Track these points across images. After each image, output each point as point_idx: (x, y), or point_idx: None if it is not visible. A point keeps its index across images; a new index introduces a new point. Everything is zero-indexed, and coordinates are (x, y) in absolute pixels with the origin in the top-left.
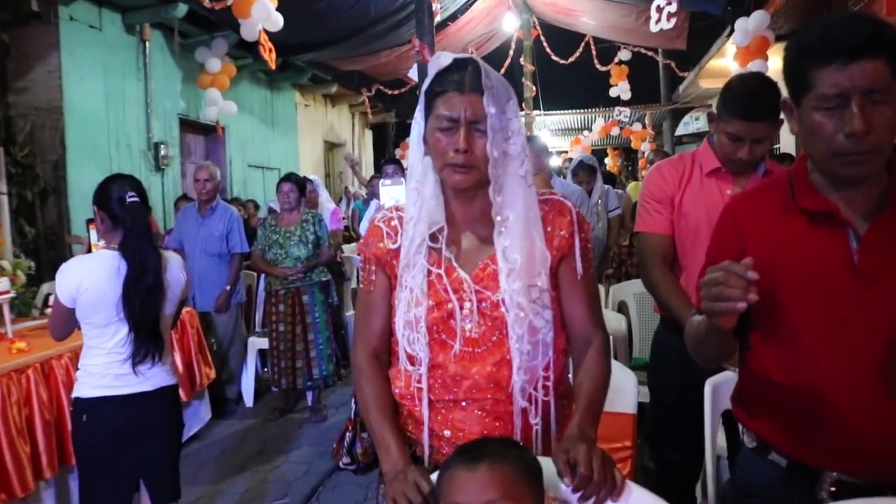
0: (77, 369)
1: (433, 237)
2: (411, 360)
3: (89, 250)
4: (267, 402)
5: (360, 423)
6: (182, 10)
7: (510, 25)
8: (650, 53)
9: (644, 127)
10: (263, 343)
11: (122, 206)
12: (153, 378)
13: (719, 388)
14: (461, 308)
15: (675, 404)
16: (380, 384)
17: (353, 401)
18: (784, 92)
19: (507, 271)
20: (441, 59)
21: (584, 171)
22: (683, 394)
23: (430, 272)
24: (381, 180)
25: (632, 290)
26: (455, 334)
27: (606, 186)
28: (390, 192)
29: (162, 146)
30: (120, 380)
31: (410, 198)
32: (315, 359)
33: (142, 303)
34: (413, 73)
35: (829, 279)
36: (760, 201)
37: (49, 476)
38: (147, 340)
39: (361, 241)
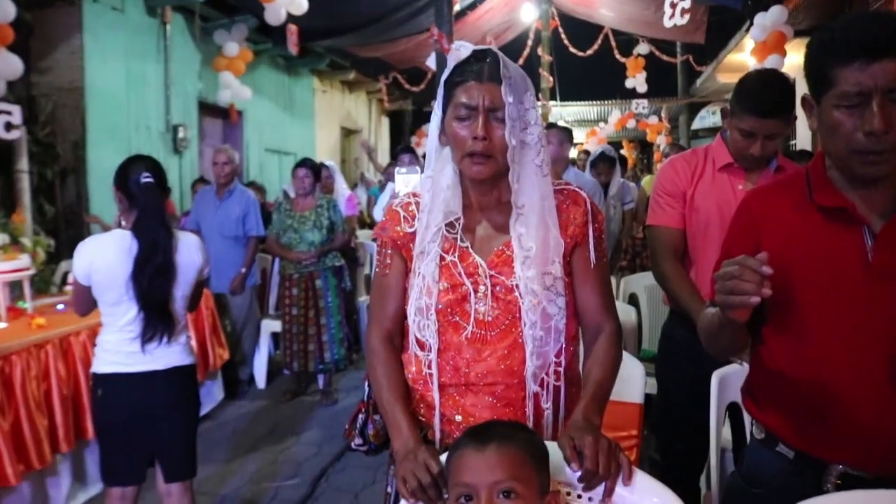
0: (94, 345)
1: (449, 225)
2: (421, 345)
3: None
4: (279, 385)
5: (373, 405)
6: None
7: (529, 16)
8: (665, 57)
9: (660, 120)
10: (276, 326)
11: (137, 186)
12: (164, 357)
13: (726, 380)
14: (475, 291)
15: (682, 396)
16: (392, 366)
17: (366, 383)
18: (802, 88)
19: (521, 258)
20: (460, 51)
21: (604, 163)
22: (691, 386)
23: (443, 258)
24: (397, 167)
25: (643, 282)
26: (469, 317)
27: (622, 180)
28: (405, 180)
29: (180, 129)
30: (132, 357)
31: (424, 186)
32: (327, 343)
33: (150, 282)
34: (431, 62)
35: (843, 276)
36: (777, 197)
37: (66, 450)
38: (156, 320)
39: (378, 225)
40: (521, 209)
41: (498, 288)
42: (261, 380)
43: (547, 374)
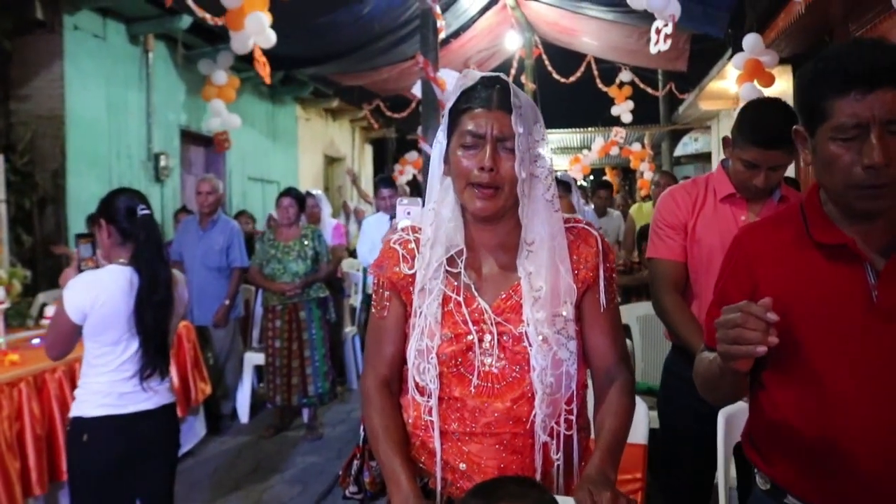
0: (77, 387)
1: (451, 261)
2: (421, 390)
3: (79, 268)
4: (262, 419)
5: (369, 451)
6: (186, 21)
7: (512, 44)
8: (650, 91)
9: (643, 147)
10: (260, 358)
11: (132, 220)
12: (156, 396)
13: (733, 419)
14: (480, 341)
15: (686, 434)
16: (390, 414)
17: (361, 427)
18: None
19: (531, 299)
20: (468, 77)
21: (558, 188)
22: (695, 423)
23: (447, 300)
24: (399, 198)
25: (635, 312)
26: (474, 368)
27: (587, 208)
28: (406, 210)
29: (162, 157)
30: (124, 398)
31: (427, 219)
32: (311, 376)
33: (154, 317)
34: (416, 90)
35: (847, 316)
36: (772, 233)
37: (39, 493)
38: (156, 356)
39: (375, 261)
40: (531, 246)
41: (505, 337)
42: (244, 414)
43: (557, 422)
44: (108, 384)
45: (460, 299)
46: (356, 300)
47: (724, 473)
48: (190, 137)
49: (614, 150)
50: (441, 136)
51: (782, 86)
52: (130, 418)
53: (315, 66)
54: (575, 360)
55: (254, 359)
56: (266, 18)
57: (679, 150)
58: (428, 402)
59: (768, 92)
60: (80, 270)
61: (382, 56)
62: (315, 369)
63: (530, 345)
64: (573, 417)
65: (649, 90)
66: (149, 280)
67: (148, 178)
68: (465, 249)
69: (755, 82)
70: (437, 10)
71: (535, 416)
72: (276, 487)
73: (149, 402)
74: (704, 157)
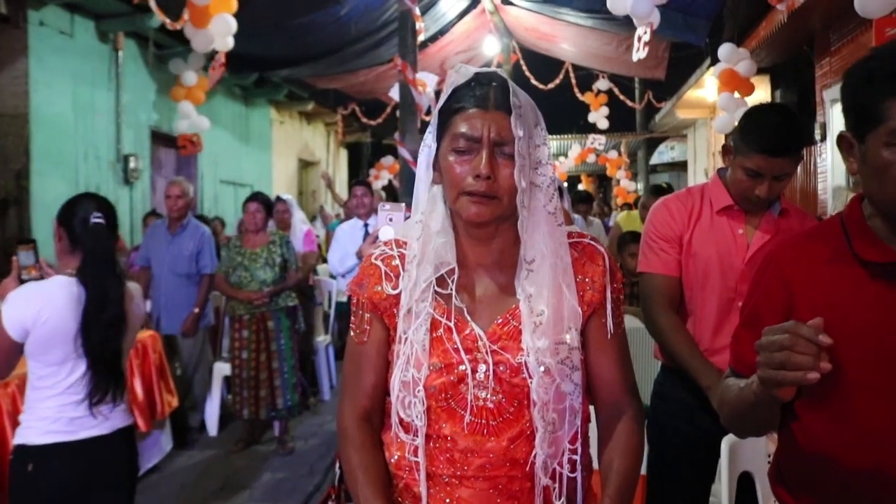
0: (22, 411)
1: (441, 281)
2: (405, 427)
3: (19, 277)
4: (231, 432)
5: (345, 492)
6: (157, 20)
7: (490, 49)
8: (628, 103)
9: (619, 154)
10: (229, 369)
11: (84, 227)
12: (111, 420)
13: (737, 447)
14: (474, 372)
15: (678, 461)
16: (370, 453)
17: (336, 465)
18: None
19: (531, 325)
20: (460, 73)
21: None
22: (688, 450)
23: (436, 325)
24: (381, 204)
25: None
26: (466, 403)
27: (577, 216)
28: (388, 216)
29: (132, 159)
30: (75, 423)
31: (413, 232)
32: (279, 388)
33: (103, 336)
34: (394, 93)
35: (890, 341)
36: (810, 249)
37: None
38: (107, 379)
39: (354, 279)
40: (531, 264)
41: (501, 367)
42: (212, 427)
43: (560, 464)
44: (57, 408)
45: (451, 324)
46: (329, 306)
47: None
48: (161, 139)
49: (591, 158)
50: (429, 138)
51: (760, 96)
52: (81, 445)
53: (290, 68)
54: (580, 393)
55: (223, 369)
56: (233, 22)
57: (655, 159)
58: (413, 440)
59: (749, 102)
60: (21, 281)
61: (359, 59)
62: (284, 381)
63: (530, 377)
64: (577, 457)
65: (628, 102)
66: (96, 295)
67: (116, 180)
68: (456, 268)
69: (735, 93)
70: (417, 11)
71: (535, 457)
72: None
73: (102, 427)
74: (680, 166)
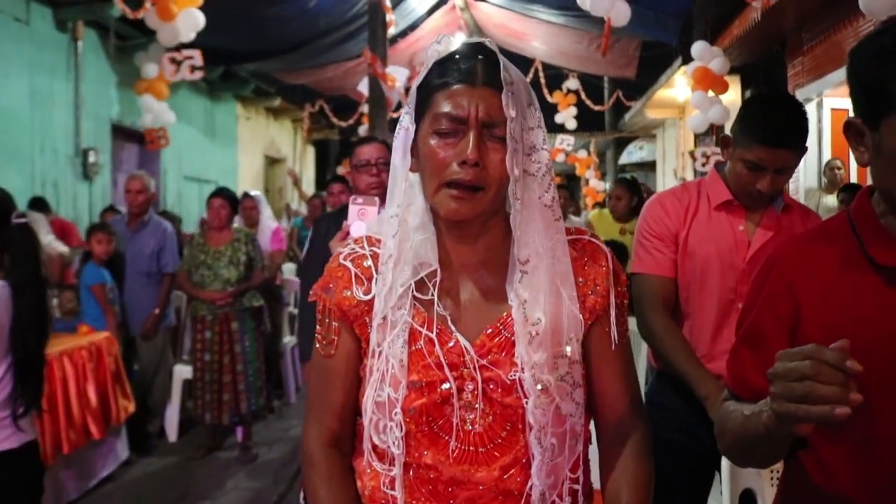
0: None
1: (420, 285)
2: (380, 455)
3: None
4: (192, 438)
5: None
6: (119, 9)
7: (443, 42)
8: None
9: (589, 154)
10: (190, 372)
11: (5, 226)
12: (19, 433)
13: None
14: (460, 391)
15: (671, 472)
16: (338, 483)
17: (301, 495)
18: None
19: (526, 336)
20: (443, 43)
21: None
22: (683, 461)
23: (415, 336)
24: (353, 197)
25: None
26: (451, 427)
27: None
28: (360, 210)
29: (91, 153)
30: None
31: (388, 229)
32: (243, 392)
33: (29, 343)
34: (363, 87)
35: None
36: (815, 251)
37: None
38: (33, 388)
39: (319, 283)
40: (526, 265)
41: (492, 385)
42: (172, 432)
43: (559, 495)
44: None
45: (433, 335)
46: (296, 305)
47: None
48: (122, 133)
49: (560, 157)
50: (406, 119)
51: (731, 96)
52: None
53: (257, 62)
54: (582, 413)
55: (183, 372)
56: (201, 18)
57: (624, 158)
58: (389, 470)
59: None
60: None
61: (328, 53)
62: (248, 385)
63: (525, 396)
64: (578, 487)
65: (591, 105)
66: (23, 299)
67: (75, 174)
68: (439, 270)
69: (709, 92)
70: (388, 3)
71: (531, 489)
72: None
73: (11, 440)
74: (649, 166)
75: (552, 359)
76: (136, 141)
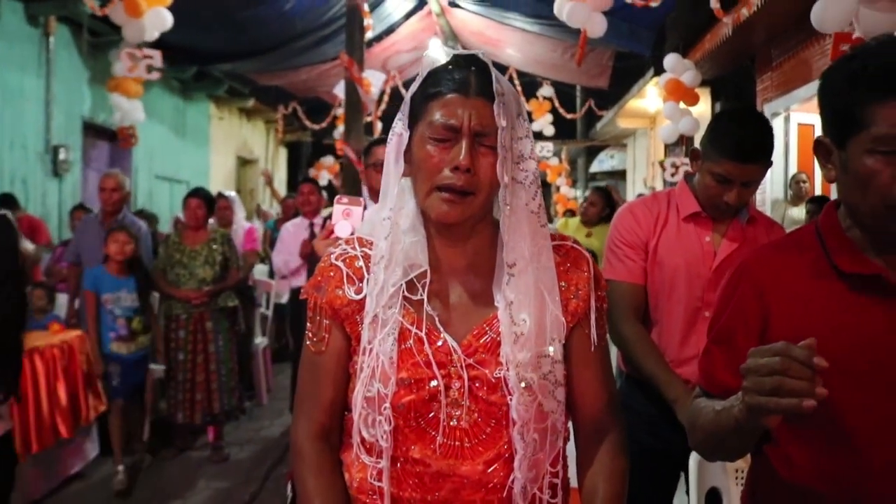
0: None
1: (410, 286)
2: (368, 448)
3: None
4: (163, 438)
5: None
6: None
7: (435, 52)
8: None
9: (560, 161)
10: (162, 371)
11: None
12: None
13: (706, 463)
14: (447, 388)
15: (640, 474)
16: (327, 476)
17: (289, 487)
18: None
19: (511, 336)
20: (436, 54)
21: None
22: (651, 463)
23: (405, 335)
24: (338, 197)
25: None
26: (438, 423)
27: None
28: (345, 210)
29: (62, 150)
30: None
31: (381, 231)
32: (216, 391)
33: (15, 332)
34: (339, 90)
35: (881, 359)
36: (785, 261)
37: None
38: (15, 375)
39: (311, 281)
40: (512, 268)
41: (477, 383)
42: (143, 432)
43: (540, 488)
44: None
45: (422, 335)
46: (267, 307)
47: None
48: (93, 130)
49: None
50: (399, 126)
51: (701, 108)
52: None
53: (231, 63)
54: (563, 411)
55: (156, 371)
56: (169, 18)
57: (595, 167)
58: (377, 463)
59: (694, 112)
60: None
61: (303, 55)
62: (221, 384)
63: (510, 393)
64: (558, 481)
65: (564, 113)
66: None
67: (45, 171)
68: (429, 271)
69: (681, 103)
70: (366, 7)
71: (513, 482)
72: None
73: None
74: (619, 175)
75: (536, 358)
76: (107, 138)
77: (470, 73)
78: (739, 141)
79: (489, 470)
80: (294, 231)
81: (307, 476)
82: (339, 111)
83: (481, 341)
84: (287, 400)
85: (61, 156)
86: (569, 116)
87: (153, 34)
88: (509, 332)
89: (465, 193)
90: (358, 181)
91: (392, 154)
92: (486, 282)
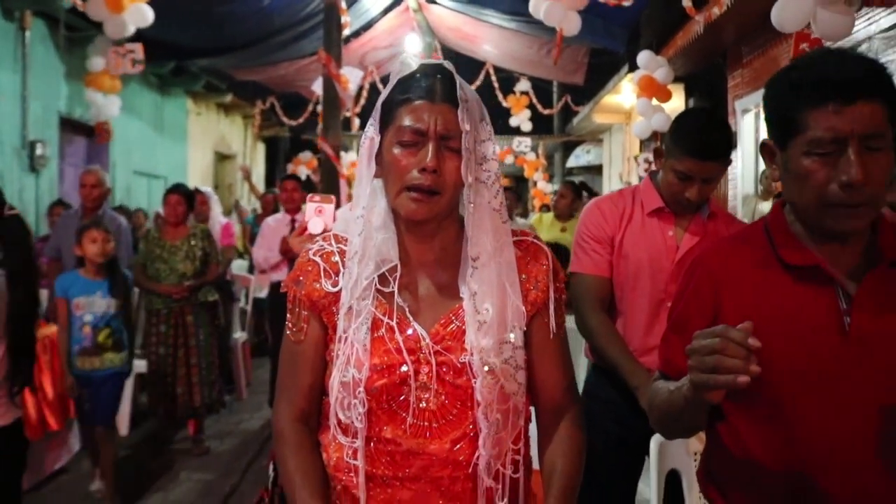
0: None
1: (382, 279)
2: (344, 429)
3: None
4: (144, 431)
5: (279, 495)
6: (68, 0)
7: (413, 47)
8: (546, 112)
9: (538, 156)
10: (143, 366)
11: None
12: (13, 409)
13: (665, 446)
14: (416, 373)
15: (606, 460)
16: (307, 456)
17: (271, 466)
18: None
19: (476, 324)
20: (406, 64)
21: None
22: (617, 449)
23: (377, 324)
24: (309, 196)
25: None
26: (408, 405)
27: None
28: (317, 208)
29: (38, 145)
30: None
31: (355, 228)
32: (197, 385)
33: (29, 325)
34: (317, 86)
35: (818, 343)
36: (736, 253)
37: None
38: (26, 365)
39: (290, 275)
40: (476, 262)
41: (444, 368)
42: (124, 426)
43: (503, 464)
44: None
45: (393, 324)
46: (246, 302)
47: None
48: (70, 126)
49: (508, 159)
50: (371, 130)
51: (675, 104)
52: None
53: (209, 58)
54: (523, 392)
55: (138, 365)
56: (150, 14)
57: (572, 162)
58: (353, 443)
59: (666, 108)
60: None
61: (281, 51)
62: (202, 378)
63: (474, 377)
64: (520, 458)
65: (542, 109)
66: (22, 285)
67: (21, 167)
68: (399, 266)
69: (653, 100)
70: (343, 4)
71: (478, 458)
72: None
73: (6, 416)
74: (596, 170)
75: (498, 344)
76: (84, 134)
77: (436, 81)
78: (700, 140)
79: (456, 448)
80: (275, 226)
81: (288, 456)
82: (317, 107)
83: (448, 329)
84: (266, 394)
85: (38, 151)
86: (545, 112)
87: (132, 30)
88: (473, 321)
89: (432, 193)
90: (336, 176)
91: (365, 157)
92: (452, 274)
